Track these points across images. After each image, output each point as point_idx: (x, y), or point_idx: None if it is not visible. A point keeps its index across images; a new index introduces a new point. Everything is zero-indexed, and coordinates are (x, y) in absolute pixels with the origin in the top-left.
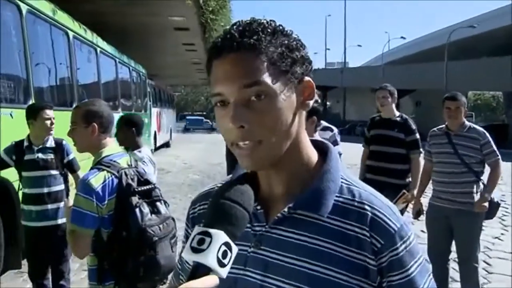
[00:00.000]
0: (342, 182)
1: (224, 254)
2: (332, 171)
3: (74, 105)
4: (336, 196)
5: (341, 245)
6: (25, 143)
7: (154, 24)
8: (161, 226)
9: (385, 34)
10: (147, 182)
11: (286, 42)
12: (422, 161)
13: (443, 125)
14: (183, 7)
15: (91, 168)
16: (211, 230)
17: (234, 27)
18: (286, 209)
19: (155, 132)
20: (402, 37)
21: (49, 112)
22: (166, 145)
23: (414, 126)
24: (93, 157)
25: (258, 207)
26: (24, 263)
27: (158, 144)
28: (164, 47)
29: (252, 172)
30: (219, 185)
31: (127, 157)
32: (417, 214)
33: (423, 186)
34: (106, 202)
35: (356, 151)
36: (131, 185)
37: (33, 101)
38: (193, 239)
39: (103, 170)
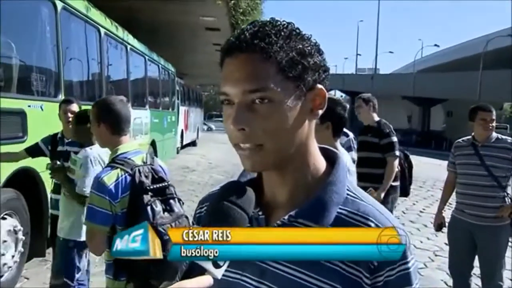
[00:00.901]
0: (347, 194)
1: None
2: (337, 182)
3: None
4: (340, 208)
5: None
6: (59, 135)
7: (185, 23)
8: (173, 224)
9: (418, 41)
10: (162, 179)
11: (299, 47)
12: (396, 163)
13: (469, 136)
14: (214, 7)
15: (105, 166)
16: None
17: (249, 27)
18: (286, 217)
19: (182, 131)
20: (435, 45)
21: (70, 106)
22: (193, 143)
23: (388, 130)
24: (110, 154)
25: (260, 213)
26: (49, 251)
27: (184, 143)
28: (194, 46)
29: (258, 177)
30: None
31: (143, 155)
32: (438, 226)
33: (445, 198)
34: (119, 199)
35: None
36: (143, 183)
37: (63, 95)
38: None
39: (117, 168)
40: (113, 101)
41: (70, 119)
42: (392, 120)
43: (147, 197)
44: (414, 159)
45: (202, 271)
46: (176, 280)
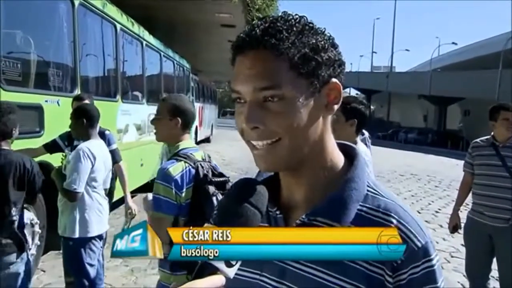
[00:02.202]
0: (368, 191)
1: None
2: (357, 179)
3: (117, 96)
4: (360, 205)
5: None
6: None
7: (201, 20)
8: None
9: (436, 39)
10: (222, 175)
11: (312, 42)
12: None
13: (488, 136)
14: (230, 4)
15: (169, 159)
16: None
17: (260, 23)
18: (304, 216)
19: (196, 127)
20: (453, 43)
21: (81, 103)
22: (207, 140)
23: None
24: (171, 148)
25: (278, 212)
26: None
27: (199, 139)
28: (209, 43)
29: (274, 176)
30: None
31: (202, 152)
32: (454, 228)
33: (461, 199)
34: (184, 190)
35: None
36: (207, 175)
37: (79, 91)
38: None
39: (181, 160)
40: (185, 100)
41: None
42: (407, 119)
43: (212, 189)
44: (430, 158)
45: (214, 271)
46: (188, 280)
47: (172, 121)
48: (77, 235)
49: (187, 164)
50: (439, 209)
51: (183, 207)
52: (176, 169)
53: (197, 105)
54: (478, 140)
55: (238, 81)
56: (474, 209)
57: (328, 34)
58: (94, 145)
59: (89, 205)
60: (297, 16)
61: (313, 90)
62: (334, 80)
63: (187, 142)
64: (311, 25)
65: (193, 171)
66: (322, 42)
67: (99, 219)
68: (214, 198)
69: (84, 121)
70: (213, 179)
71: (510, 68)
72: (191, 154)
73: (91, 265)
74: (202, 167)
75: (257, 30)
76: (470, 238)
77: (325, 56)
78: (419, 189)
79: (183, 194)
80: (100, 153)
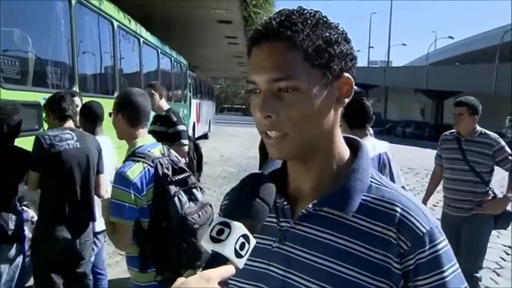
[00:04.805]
0: (371, 181)
1: (242, 246)
2: (361, 170)
3: (115, 93)
4: (364, 196)
5: (366, 245)
6: None
7: (197, 16)
8: (200, 213)
9: (432, 33)
10: (182, 170)
11: (326, 35)
12: (185, 151)
13: (455, 130)
14: (226, 0)
15: (125, 160)
16: (230, 222)
17: (275, 15)
18: (310, 206)
19: (194, 123)
20: (450, 37)
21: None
22: (204, 136)
23: (176, 119)
24: (129, 147)
25: (285, 203)
26: None
27: (196, 135)
28: (206, 39)
29: (282, 168)
30: None
31: (160, 146)
32: None
33: (430, 190)
34: (144, 192)
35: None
36: (167, 175)
37: (77, 88)
38: (213, 228)
39: (138, 161)
40: (133, 93)
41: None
42: (404, 113)
43: (173, 188)
44: (427, 152)
45: (225, 261)
46: (199, 269)
47: (117, 118)
48: None
49: (145, 164)
50: (437, 203)
51: (145, 209)
52: (134, 171)
53: (195, 101)
54: (447, 133)
55: (254, 72)
56: (444, 202)
57: (342, 29)
58: (103, 142)
59: (95, 200)
60: (312, 11)
61: (326, 81)
62: (346, 74)
63: (142, 139)
64: (325, 19)
65: (152, 170)
66: (336, 36)
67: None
68: (176, 199)
69: (90, 119)
70: (173, 178)
71: (506, 61)
72: (148, 151)
73: (90, 261)
74: (161, 164)
75: (274, 23)
76: (444, 230)
77: (338, 49)
78: (416, 183)
79: (143, 197)
80: (107, 150)
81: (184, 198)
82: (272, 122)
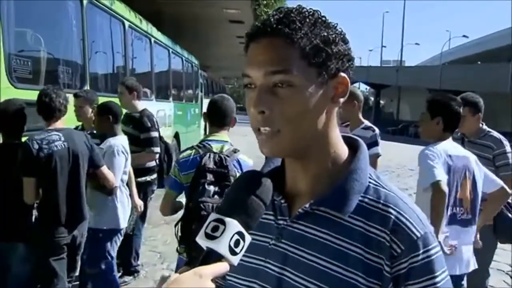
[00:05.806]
0: (370, 182)
1: (237, 243)
2: (359, 170)
3: None
4: (361, 197)
5: (360, 246)
6: (79, 128)
7: (209, 16)
8: (215, 205)
9: (446, 32)
10: (224, 167)
11: (324, 34)
12: (155, 158)
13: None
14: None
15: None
16: (225, 218)
17: (274, 13)
18: (307, 205)
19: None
20: (464, 36)
21: (77, 101)
22: None
23: (149, 124)
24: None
25: (283, 201)
26: None
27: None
28: (218, 39)
29: (281, 166)
30: None
31: (224, 144)
32: None
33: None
34: (185, 173)
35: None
36: (205, 164)
37: (88, 88)
38: (208, 225)
39: (193, 148)
40: (217, 99)
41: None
42: (417, 113)
43: (209, 176)
44: None
45: (219, 258)
46: (193, 267)
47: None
48: (110, 226)
49: (196, 152)
50: None
51: (185, 188)
52: (184, 154)
53: (206, 101)
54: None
55: (250, 66)
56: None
57: (340, 29)
58: (123, 141)
59: (120, 198)
60: (311, 10)
61: (322, 80)
62: (343, 74)
63: (216, 135)
64: (323, 18)
65: (198, 159)
66: (333, 36)
67: (125, 212)
68: (200, 186)
69: (110, 118)
70: (209, 168)
71: None
72: (208, 144)
73: (112, 257)
74: (210, 157)
75: (272, 20)
76: None
77: (335, 49)
78: None
79: (184, 177)
80: (126, 149)
81: (211, 189)
82: (265, 118)
